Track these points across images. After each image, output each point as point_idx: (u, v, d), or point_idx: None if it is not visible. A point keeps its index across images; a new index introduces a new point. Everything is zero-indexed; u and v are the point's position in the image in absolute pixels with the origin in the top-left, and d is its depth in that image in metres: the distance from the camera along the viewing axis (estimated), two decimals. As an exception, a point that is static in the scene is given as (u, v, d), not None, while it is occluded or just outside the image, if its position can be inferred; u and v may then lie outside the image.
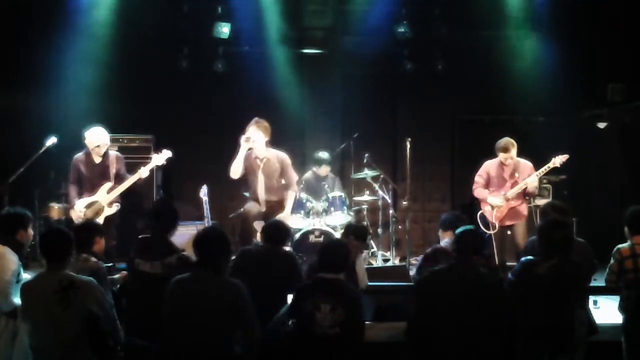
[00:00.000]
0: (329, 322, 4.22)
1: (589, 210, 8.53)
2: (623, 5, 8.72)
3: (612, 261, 5.04)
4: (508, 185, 7.14)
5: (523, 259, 4.73)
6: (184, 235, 7.31)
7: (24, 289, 4.22)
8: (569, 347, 4.52)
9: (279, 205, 6.95)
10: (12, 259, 4.53)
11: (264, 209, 6.84)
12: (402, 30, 9.04)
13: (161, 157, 7.29)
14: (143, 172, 7.00)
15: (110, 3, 8.65)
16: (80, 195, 7.03)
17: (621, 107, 9.06)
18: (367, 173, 8.33)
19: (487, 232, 7.11)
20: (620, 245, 5.05)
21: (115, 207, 7.04)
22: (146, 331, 4.46)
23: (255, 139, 6.81)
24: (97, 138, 6.97)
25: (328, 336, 4.22)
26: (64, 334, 4.06)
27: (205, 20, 8.95)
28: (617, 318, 5.39)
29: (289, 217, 6.96)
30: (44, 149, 7.23)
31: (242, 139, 6.83)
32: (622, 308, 5.07)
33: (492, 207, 7.15)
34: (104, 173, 7.09)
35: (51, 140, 7.25)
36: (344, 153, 9.02)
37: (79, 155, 7.10)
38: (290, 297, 4.66)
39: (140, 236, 4.91)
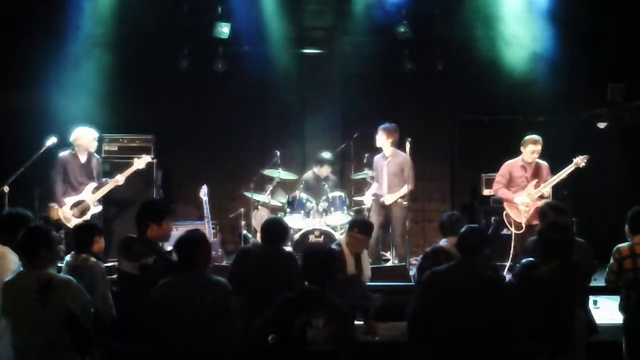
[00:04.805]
0: (323, 339, 3.95)
1: (589, 210, 8.52)
2: (623, 5, 8.71)
3: (611, 261, 5.05)
4: (531, 186, 7.14)
5: (524, 260, 4.74)
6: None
7: (4, 287, 4.17)
8: (569, 347, 4.52)
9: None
10: (13, 259, 4.52)
11: (387, 202, 7.65)
12: (402, 30, 9.02)
13: (141, 162, 7.52)
14: (120, 179, 7.34)
15: (110, 3, 8.64)
16: (64, 193, 7.26)
17: (621, 107, 9.05)
18: (367, 173, 8.33)
19: (515, 232, 7.15)
20: (619, 245, 5.06)
21: (99, 207, 7.37)
22: (127, 331, 4.44)
23: (383, 146, 7.73)
24: (92, 134, 7.34)
25: (322, 354, 3.97)
26: (43, 332, 4.04)
27: (205, 20, 8.94)
28: (617, 318, 5.39)
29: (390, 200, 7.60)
30: (44, 149, 7.23)
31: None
32: (623, 308, 5.08)
33: (518, 208, 7.15)
34: (88, 173, 7.35)
35: (51, 140, 7.26)
36: (344, 153, 9.02)
37: (65, 153, 7.32)
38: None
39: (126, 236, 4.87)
